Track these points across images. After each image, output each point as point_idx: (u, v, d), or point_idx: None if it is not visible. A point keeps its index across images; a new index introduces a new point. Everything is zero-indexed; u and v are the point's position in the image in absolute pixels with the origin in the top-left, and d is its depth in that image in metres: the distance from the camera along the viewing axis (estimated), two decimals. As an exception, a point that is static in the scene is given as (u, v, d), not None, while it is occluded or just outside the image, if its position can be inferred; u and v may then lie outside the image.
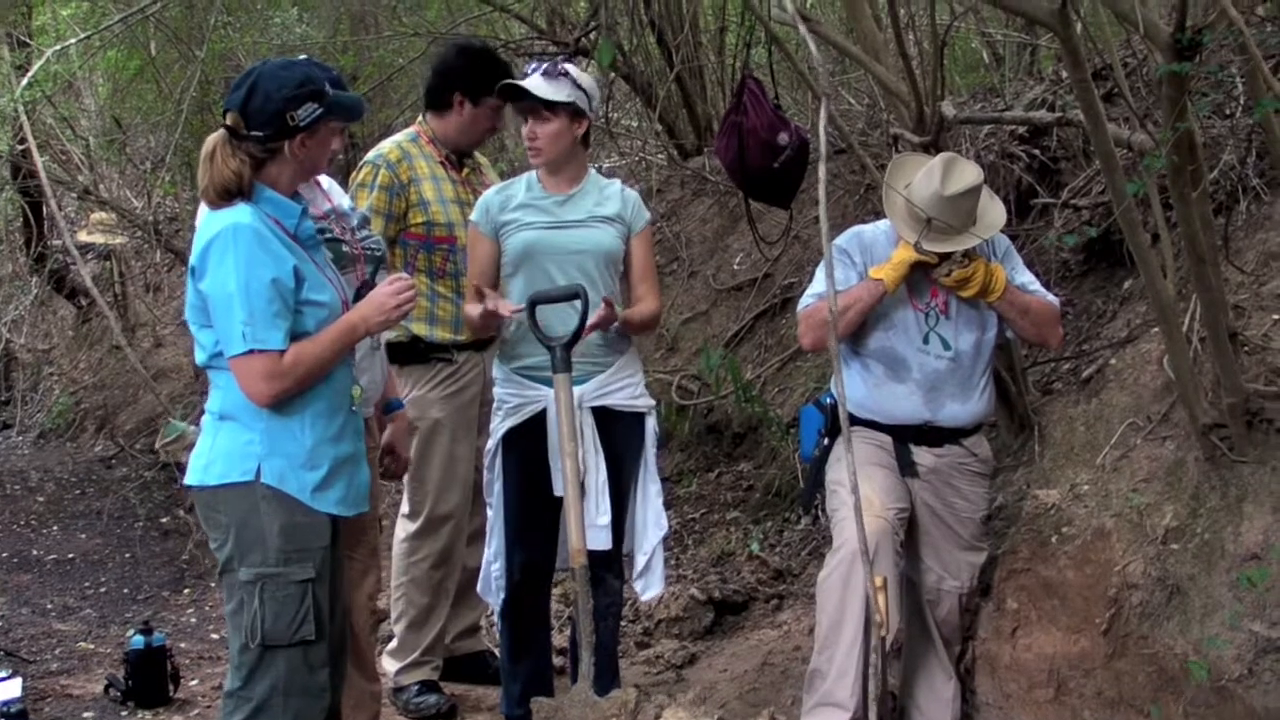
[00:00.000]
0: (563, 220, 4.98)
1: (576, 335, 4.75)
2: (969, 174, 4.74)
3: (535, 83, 4.90)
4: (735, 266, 9.02)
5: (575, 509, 4.65)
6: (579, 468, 4.67)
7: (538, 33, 9.77)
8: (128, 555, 9.36)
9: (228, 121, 3.91)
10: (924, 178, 4.75)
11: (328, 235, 4.47)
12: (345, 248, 4.57)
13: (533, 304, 4.81)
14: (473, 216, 5.11)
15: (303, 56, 4.23)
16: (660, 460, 8.30)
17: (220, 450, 3.92)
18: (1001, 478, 5.72)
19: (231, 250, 3.78)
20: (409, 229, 5.58)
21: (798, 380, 7.78)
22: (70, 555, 9.45)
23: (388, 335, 5.55)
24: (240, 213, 3.84)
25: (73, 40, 9.72)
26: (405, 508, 5.73)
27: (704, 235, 9.65)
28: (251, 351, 3.78)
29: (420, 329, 5.59)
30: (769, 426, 7.59)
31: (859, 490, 4.82)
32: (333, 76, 3.99)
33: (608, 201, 5.05)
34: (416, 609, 5.67)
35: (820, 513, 5.88)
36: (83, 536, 9.83)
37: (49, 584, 8.51)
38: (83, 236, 14.23)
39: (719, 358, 7.58)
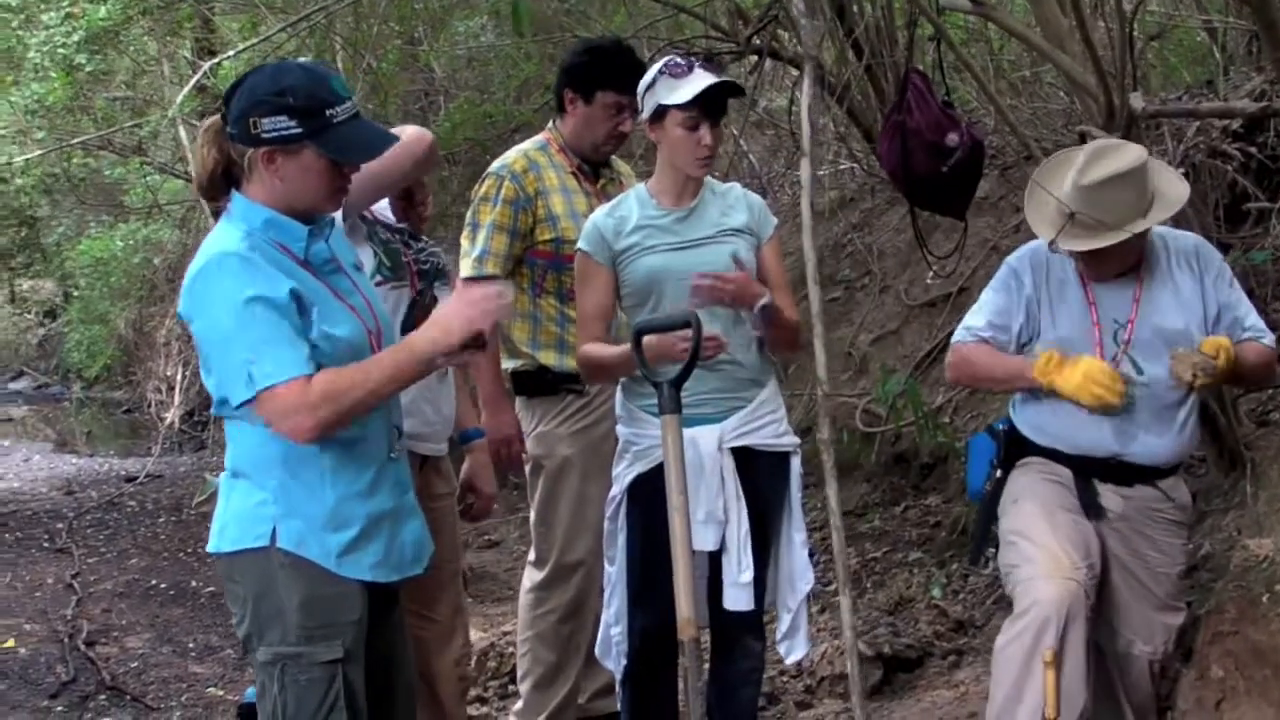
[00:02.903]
0: (688, 239, 4.35)
1: (688, 370, 4.04)
2: (1121, 158, 4.07)
3: (713, 79, 4.28)
4: (929, 280, 8.35)
5: (685, 575, 3.92)
6: (688, 524, 3.95)
7: (721, 34, 9.22)
8: (281, 588, 9.11)
9: None
10: (1069, 169, 4.13)
11: (385, 241, 4.16)
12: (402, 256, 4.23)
13: (638, 334, 4.14)
14: (582, 244, 4.45)
15: (316, 65, 3.63)
16: (842, 493, 7.76)
17: (233, 512, 3.39)
18: (1209, 522, 5.07)
19: (216, 283, 3.25)
20: (536, 246, 5.06)
21: (992, 405, 7.08)
22: (228, 587, 9.21)
23: (511, 364, 5.12)
24: (229, 240, 3.31)
25: (229, 54, 9.45)
26: (531, 555, 5.23)
27: (897, 247, 9.00)
28: (269, 388, 3.21)
29: (548, 357, 5.08)
30: (959, 457, 6.93)
31: (1042, 544, 4.19)
32: (341, 100, 3.32)
33: (733, 211, 4.42)
34: (544, 666, 5.14)
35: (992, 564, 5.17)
36: (245, 566, 9.58)
37: (198, 619, 8.25)
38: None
39: (897, 383, 6.95)
